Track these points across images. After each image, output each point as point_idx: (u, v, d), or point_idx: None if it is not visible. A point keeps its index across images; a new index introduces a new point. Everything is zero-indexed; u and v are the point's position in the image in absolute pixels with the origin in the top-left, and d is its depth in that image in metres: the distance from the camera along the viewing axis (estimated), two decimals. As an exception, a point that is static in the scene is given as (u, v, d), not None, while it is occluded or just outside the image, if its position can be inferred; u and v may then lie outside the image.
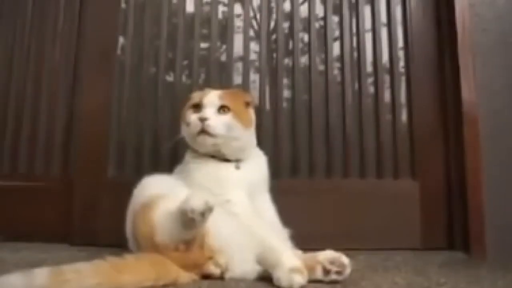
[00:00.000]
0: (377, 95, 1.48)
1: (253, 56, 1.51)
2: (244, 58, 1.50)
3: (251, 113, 1.10)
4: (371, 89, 1.49)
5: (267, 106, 1.48)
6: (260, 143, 1.16)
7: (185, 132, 1.06)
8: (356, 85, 1.48)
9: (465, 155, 1.32)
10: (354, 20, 1.52)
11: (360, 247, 1.25)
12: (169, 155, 1.39)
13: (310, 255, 0.88)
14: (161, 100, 1.47)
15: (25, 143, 1.50)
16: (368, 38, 1.50)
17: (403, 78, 1.48)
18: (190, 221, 0.81)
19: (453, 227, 1.36)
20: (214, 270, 0.86)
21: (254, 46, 1.52)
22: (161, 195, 0.91)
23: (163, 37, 1.52)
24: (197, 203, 0.80)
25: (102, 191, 1.39)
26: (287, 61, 1.51)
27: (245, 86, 1.47)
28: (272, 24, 1.54)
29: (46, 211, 1.41)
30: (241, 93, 1.13)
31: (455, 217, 1.36)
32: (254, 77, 1.50)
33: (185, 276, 0.83)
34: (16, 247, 1.25)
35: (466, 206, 1.30)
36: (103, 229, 1.35)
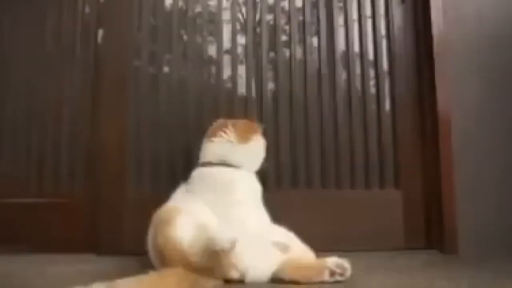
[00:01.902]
0: (365, 113, 1.59)
1: (241, 53, 1.60)
2: (232, 52, 1.59)
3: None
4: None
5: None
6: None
7: None
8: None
9: (440, 168, 1.45)
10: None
11: (352, 249, 1.29)
12: (183, 172, 1.46)
13: (319, 260, 1.00)
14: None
15: (50, 168, 1.57)
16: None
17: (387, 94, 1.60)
18: (216, 254, 0.91)
19: (430, 229, 1.48)
20: (234, 274, 0.93)
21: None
22: (181, 210, 1.02)
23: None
24: (225, 244, 0.88)
25: (124, 207, 1.49)
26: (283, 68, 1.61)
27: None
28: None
29: (72, 227, 1.49)
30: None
31: (432, 221, 1.48)
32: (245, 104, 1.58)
33: (209, 282, 0.91)
34: (50, 259, 1.32)
35: (442, 212, 1.43)
36: (128, 240, 1.45)
